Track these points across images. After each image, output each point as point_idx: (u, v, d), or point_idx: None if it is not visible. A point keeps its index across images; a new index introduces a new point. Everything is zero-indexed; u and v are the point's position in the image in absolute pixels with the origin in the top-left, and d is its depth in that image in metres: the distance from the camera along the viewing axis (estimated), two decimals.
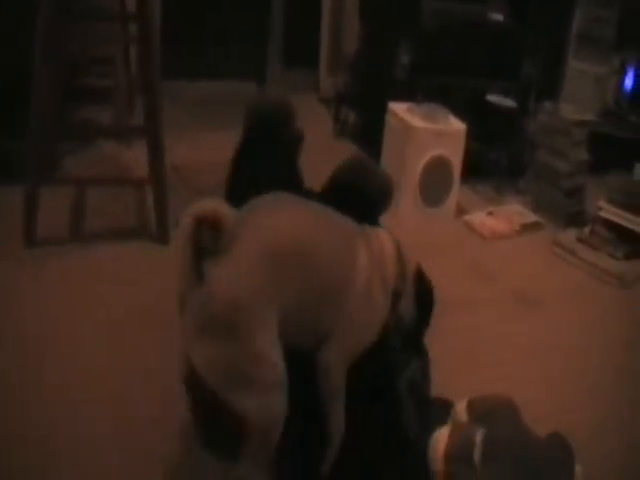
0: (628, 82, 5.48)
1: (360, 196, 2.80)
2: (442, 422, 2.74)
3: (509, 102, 5.28)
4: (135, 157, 4.77)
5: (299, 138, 2.98)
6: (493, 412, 2.75)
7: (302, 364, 2.38)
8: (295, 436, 2.39)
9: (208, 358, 2.18)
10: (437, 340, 2.84)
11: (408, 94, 5.07)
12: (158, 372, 3.08)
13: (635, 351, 3.67)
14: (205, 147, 3.87)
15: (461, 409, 2.81)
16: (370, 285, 2.45)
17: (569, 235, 4.57)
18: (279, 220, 2.30)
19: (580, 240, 4.47)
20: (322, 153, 2.83)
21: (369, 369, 2.56)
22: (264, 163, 2.84)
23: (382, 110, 5.02)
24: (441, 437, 2.66)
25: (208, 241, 2.12)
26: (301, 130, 2.99)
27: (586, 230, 4.52)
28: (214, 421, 2.49)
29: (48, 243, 3.98)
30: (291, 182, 2.91)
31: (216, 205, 2.13)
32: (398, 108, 4.90)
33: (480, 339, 3.56)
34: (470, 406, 2.80)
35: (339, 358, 2.43)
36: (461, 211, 4.88)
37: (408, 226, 4.45)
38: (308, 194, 2.87)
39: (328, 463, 2.52)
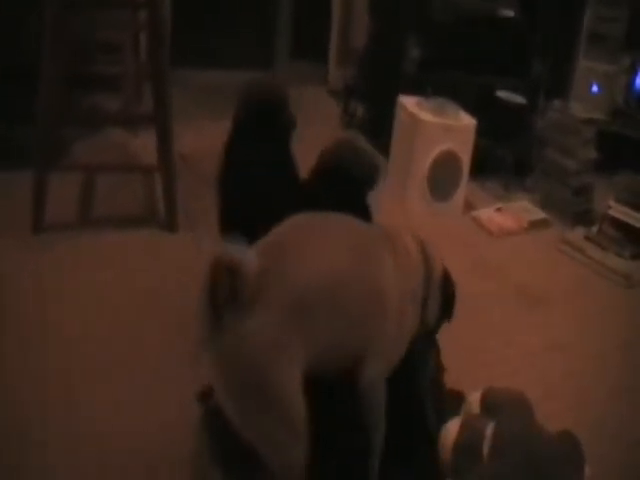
0: (638, 82, 5.46)
1: (346, 171, 2.79)
2: (455, 413, 2.74)
3: (518, 99, 5.25)
4: (143, 145, 4.78)
5: (292, 124, 2.98)
6: (505, 406, 2.74)
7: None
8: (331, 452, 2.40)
9: (237, 406, 2.16)
10: (442, 333, 2.82)
11: (417, 88, 5.05)
12: (163, 359, 3.10)
13: (634, 350, 3.67)
14: (212, 135, 3.79)
15: (474, 400, 2.80)
16: (400, 299, 2.41)
17: (577, 233, 4.57)
18: (299, 265, 2.22)
19: (588, 238, 4.46)
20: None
21: (396, 373, 2.54)
22: (256, 147, 2.83)
23: (391, 104, 5.01)
24: (452, 428, 2.65)
25: (227, 290, 2.04)
26: (294, 116, 2.98)
27: (594, 229, 4.52)
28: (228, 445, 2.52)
29: (56, 229, 3.99)
30: (284, 168, 2.91)
31: (235, 253, 2.04)
32: (408, 102, 4.88)
33: (485, 334, 3.56)
34: (483, 398, 2.79)
35: (380, 373, 2.40)
36: (469, 207, 4.87)
37: (415, 220, 4.46)
38: (300, 184, 2.86)
39: (373, 473, 2.51)
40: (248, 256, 2.07)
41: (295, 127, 2.99)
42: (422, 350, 2.74)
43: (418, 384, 2.69)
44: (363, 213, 2.78)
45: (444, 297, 2.65)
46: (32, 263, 3.67)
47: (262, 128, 2.90)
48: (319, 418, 2.23)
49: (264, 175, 2.81)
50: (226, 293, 2.03)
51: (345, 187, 2.69)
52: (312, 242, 2.32)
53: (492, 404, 2.71)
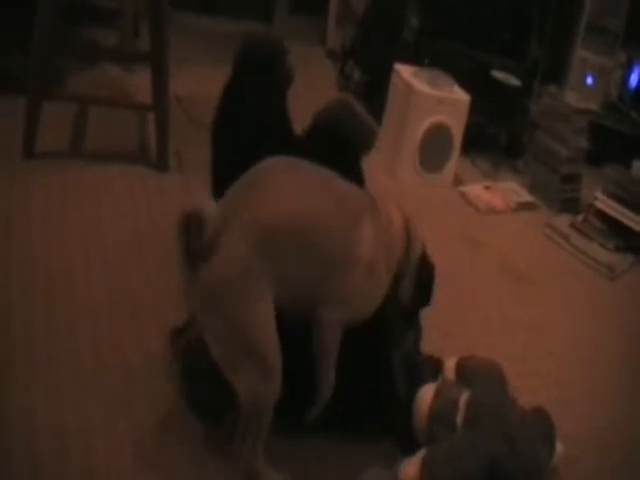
0: (633, 78, 5.47)
1: (341, 134, 2.78)
2: (432, 380, 2.75)
3: (514, 80, 5.24)
4: (137, 83, 4.75)
5: (289, 78, 2.96)
6: (481, 375, 2.76)
7: (296, 324, 2.41)
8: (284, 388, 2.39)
9: (212, 337, 2.27)
10: None
11: (414, 57, 5.04)
12: (148, 296, 3.11)
13: (613, 338, 3.70)
14: (209, 80, 3.79)
15: (450, 367, 2.83)
16: (374, 262, 2.44)
17: (563, 220, 4.58)
18: (271, 199, 2.29)
19: (573, 226, 4.48)
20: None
21: (364, 338, 2.58)
22: (253, 97, 2.82)
23: (388, 70, 4.99)
24: (426, 395, 2.67)
25: (195, 240, 2.19)
26: (292, 71, 2.97)
27: (579, 217, 4.53)
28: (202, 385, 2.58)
29: (46, 157, 3.96)
30: (279, 120, 2.89)
31: (193, 210, 2.19)
32: (404, 70, 4.86)
33: (465, 306, 3.58)
34: (459, 365, 2.82)
35: (335, 319, 2.43)
36: (458, 181, 4.86)
37: (404, 188, 4.46)
38: (293, 137, 2.85)
39: (313, 415, 2.55)
40: (209, 204, 2.26)
41: (292, 82, 2.97)
42: (398, 328, 2.75)
43: (390, 358, 2.70)
44: (356, 177, 2.77)
45: (421, 279, 2.67)
46: (20, 188, 3.64)
47: (260, 78, 2.88)
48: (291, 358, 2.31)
49: (259, 124, 2.79)
50: (195, 242, 2.18)
51: (339, 148, 2.68)
52: (288, 182, 2.36)
53: (467, 372, 2.74)
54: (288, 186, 2.34)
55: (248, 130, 2.77)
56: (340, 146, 2.71)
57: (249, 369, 2.26)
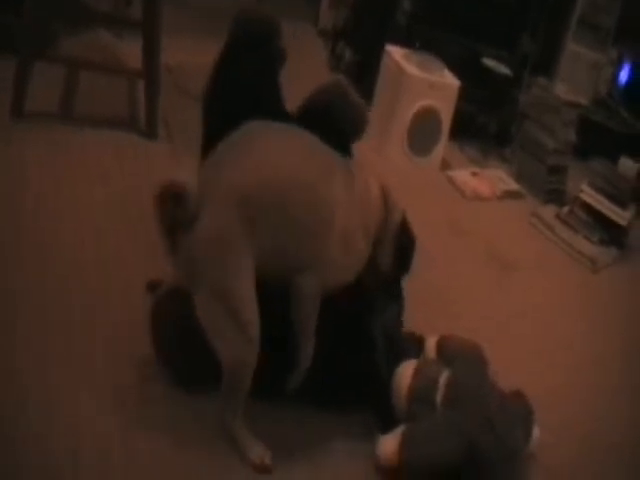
0: (623, 75, 5.48)
1: (334, 119, 2.76)
2: (413, 356, 2.75)
3: (504, 69, 5.24)
4: (128, 50, 4.70)
5: (282, 57, 2.95)
6: (461, 355, 2.77)
7: (276, 294, 2.43)
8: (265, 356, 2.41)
9: (197, 302, 2.30)
10: (408, 283, 2.87)
11: (406, 41, 5.04)
12: (134, 257, 3.14)
13: (594, 328, 3.73)
14: (200, 53, 3.78)
15: (431, 345, 2.83)
16: (349, 228, 2.46)
17: (548, 210, 4.59)
18: (251, 165, 2.32)
19: (558, 217, 4.48)
20: (314, 84, 2.81)
21: (344, 308, 2.61)
22: (246, 74, 2.80)
23: (379, 51, 4.99)
24: (405, 372, 2.67)
25: (174, 215, 2.23)
26: (285, 50, 2.96)
27: (565, 209, 4.54)
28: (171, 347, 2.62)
29: (35, 117, 3.94)
30: (270, 96, 2.88)
31: (173, 181, 2.21)
32: (395, 52, 4.86)
33: (449, 288, 3.59)
34: (440, 344, 2.82)
35: (313, 286, 2.45)
36: (445, 166, 4.87)
37: (392, 170, 4.45)
38: (285, 116, 2.84)
39: (292, 384, 2.58)
40: (189, 185, 2.23)
41: (285, 60, 2.96)
42: (378, 296, 2.75)
43: (370, 327, 2.71)
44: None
45: (400, 246, 2.68)
46: (8, 147, 3.63)
47: (253, 53, 2.86)
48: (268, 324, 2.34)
49: (251, 98, 2.79)
50: (173, 215, 2.21)
51: (330, 132, 2.66)
52: (267, 148, 2.38)
53: (448, 352, 2.75)
54: (267, 153, 2.36)
55: (240, 103, 2.76)
56: (331, 130, 2.69)
57: (232, 335, 2.29)
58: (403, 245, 2.70)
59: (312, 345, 2.53)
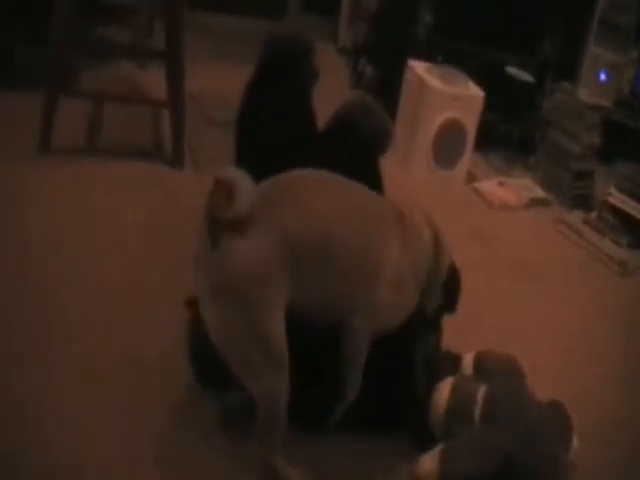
0: None
1: (359, 133, 2.76)
2: (451, 374, 2.76)
3: (527, 76, 5.25)
4: (151, 80, 4.75)
5: (315, 75, 2.94)
6: (498, 369, 2.77)
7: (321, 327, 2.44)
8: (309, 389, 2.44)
9: (217, 322, 2.23)
10: None
11: (427, 54, 5.05)
12: (162, 288, 3.14)
13: (623, 335, 3.70)
14: (223, 79, 3.85)
15: (468, 361, 2.83)
16: (401, 277, 2.44)
17: (575, 216, 4.58)
18: (301, 210, 2.28)
19: (586, 222, 4.48)
20: (336, 103, 2.83)
21: (387, 343, 2.57)
22: (277, 96, 2.80)
23: (401, 66, 5.00)
24: (443, 390, 2.68)
25: (222, 209, 2.12)
26: (318, 68, 2.96)
27: (593, 214, 4.53)
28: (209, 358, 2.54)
29: (62, 152, 3.99)
30: (303, 117, 2.88)
31: (235, 174, 2.14)
32: (417, 67, 4.87)
33: (473, 301, 3.54)
34: (477, 360, 2.83)
35: (365, 327, 2.44)
36: (471, 178, 4.88)
37: (418, 185, 4.46)
38: (316, 136, 2.86)
39: (336, 416, 2.57)
40: (248, 181, 2.15)
41: (317, 79, 2.97)
42: (421, 334, 2.77)
43: (413, 361, 2.72)
44: (374, 177, 2.78)
45: (447, 288, 2.68)
46: (36, 183, 3.67)
47: (285, 75, 2.88)
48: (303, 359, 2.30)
49: (282, 122, 2.79)
50: (223, 213, 2.10)
51: (357, 148, 2.68)
52: (318, 193, 2.34)
53: (485, 367, 2.74)
54: (320, 202, 2.32)
55: (272, 128, 2.76)
56: (358, 145, 2.71)
57: (263, 366, 2.25)
58: (450, 287, 2.70)
59: (360, 380, 2.53)
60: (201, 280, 2.22)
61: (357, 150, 2.62)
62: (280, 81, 2.83)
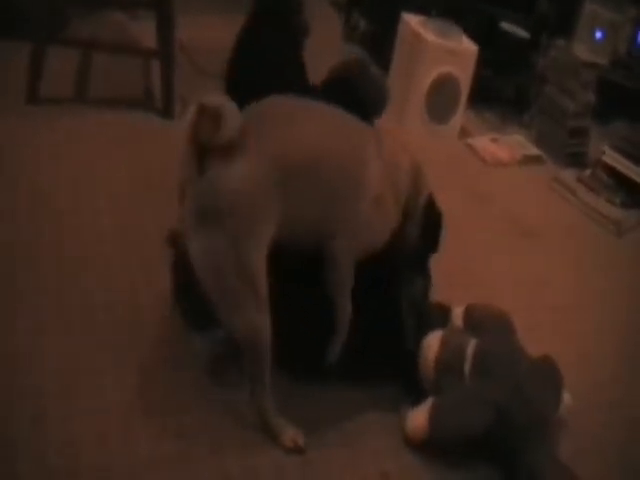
0: None
1: (356, 94, 2.78)
2: (440, 326, 2.75)
3: (522, 33, 5.19)
4: (142, 30, 4.69)
5: (305, 30, 2.94)
6: (488, 323, 2.77)
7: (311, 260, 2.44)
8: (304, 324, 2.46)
9: (203, 251, 2.21)
10: None
11: (421, 8, 4.97)
12: (154, 233, 3.10)
13: (619, 292, 3.70)
14: (215, 29, 3.80)
15: (458, 314, 2.82)
16: (381, 193, 2.45)
17: (569, 174, 4.55)
18: (287, 132, 2.28)
19: (580, 181, 4.45)
20: (328, 56, 2.80)
21: (372, 277, 2.59)
22: (269, 47, 2.80)
23: (394, 20, 4.93)
24: (432, 344, 2.66)
25: (209, 135, 2.10)
26: (308, 23, 2.94)
27: (587, 172, 4.50)
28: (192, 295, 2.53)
29: (51, 102, 3.94)
30: (293, 71, 2.87)
31: (221, 101, 2.11)
32: (411, 20, 4.81)
33: (468, 257, 3.58)
34: (467, 312, 2.82)
35: (346, 248, 2.44)
36: (465, 133, 4.84)
37: (411, 139, 4.41)
38: (309, 88, 2.82)
39: (331, 356, 2.57)
40: (233, 106, 2.13)
41: (308, 33, 2.95)
42: (405, 269, 2.73)
43: (398, 300, 2.71)
44: None
45: (428, 223, 2.68)
46: (25, 133, 3.63)
47: (276, 28, 2.85)
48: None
49: (274, 69, 2.78)
50: (211, 138, 2.09)
51: (351, 106, 2.65)
52: (302, 116, 2.36)
53: (475, 320, 2.74)
54: (306, 123, 2.34)
55: (264, 76, 2.76)
56: (352, 104, 2.68)
57: (246, 299, 2.25)
58: (431, 222, 2.70)
59: (349, 312, 2.54)
60: (187, 209, 2.20)
61: (351, 109, 2.58)
62: (271, 31, 2.81)
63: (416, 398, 2.59)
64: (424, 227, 2.67)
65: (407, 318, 2.71)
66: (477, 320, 2.78)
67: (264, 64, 2.78)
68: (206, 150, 2.12)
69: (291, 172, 2.23)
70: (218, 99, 2.12)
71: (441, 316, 2.86)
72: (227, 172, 2.14)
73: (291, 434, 2.44)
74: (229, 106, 2.12)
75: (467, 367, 2.58)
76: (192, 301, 2.61)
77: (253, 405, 2.43)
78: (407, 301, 2.72)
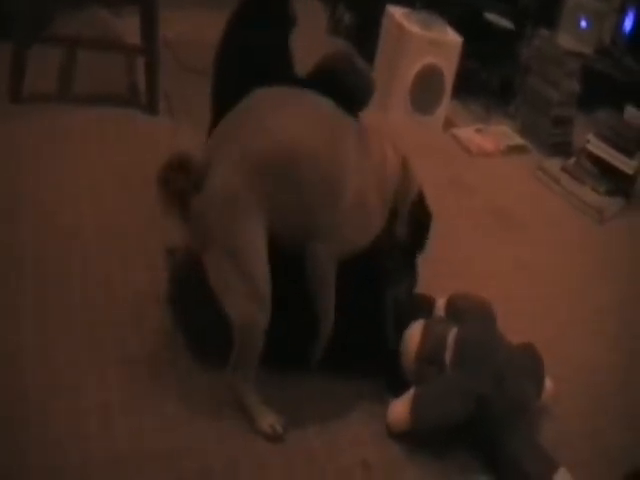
0: (627, 23, 5.42)
1: (342, 86, 2.75)
2: (423, 317, 2.76)
3: (506, 23, 5.20)
4: (126, 27, 4.68)
5: (293, 22, 2.93)
6: (469, 312, 2.78)
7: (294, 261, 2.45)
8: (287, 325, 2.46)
9: (209, 263, 2.31)
10: None
11: (405, 0, 4.97)
12: (135, 232, 3.16)
13: (601, 280, 3.74)
14: (200, 25, 3.80)
15: (440, 305, 2.84)
16: (363, 191, 2.44)
17: (554, 163, 4.57)
18: (263, 127, 2.31)
19: (564, 169, 4.47)
20: (313, 49, 2.80)
21: (358, 276, 2.60)
22: (257, 38, 2.79)
23: (379, 12, 4.95)
24: (414, 333, 2.68)
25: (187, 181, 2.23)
26: (295, 15, 2.94)
27: (571, 161, 4.52)
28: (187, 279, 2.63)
29: (34, 100, 3.93)
30: (281, 62, 2.86)
31: (180, 151, 2.24)
32: (395, 12, 4.83)
33: (452, 247, 3.58)
34: (449, 302, 2.84)
35: (327, 250, 2.44)
36: (449, 124, 4.85)
37: (396, 130, 4.43)
38: (295, 79, 2.83)
39: (315, 354, 2.60)
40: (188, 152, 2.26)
41: (295, 25, 2.94)
42: (393, 268, 2.74)
43: (382, 298, 2.72)
44: None
45: (416, 220, 2.68)
46: (8, 132, 3.62)
47: (264, 19, 2.85)
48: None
49: (261, 60, 2.77)
50: (182, 182, 2.23)
51: (337, 100, 2.66)
52: (278, 113, 2.37)
53: (457, 310, 2.76)
54: (278, 117, 2.34)
55: (251, 67, 2.74)
56: (338, 96, 2.69)
57: (241, 293, 2.30)
58: (419, 220, 2.70)
59: (332, 313, 2.54)
60: (190, 239, 2.37)
61: (336, 100, 2.59)
62: (258, 23, 2.80)
63: (399, 389, 2.60)
64: (412, 226, 2.67)
65: (390, 313, 2.72)
66: (459, 310, 2.80)
67: (251, 54, 2.77)
68: (183, 190, 2.25)
69: (266, 169, 2.26)
70: (181, 152, 2.25)
71: (425, 307, 2.86)
72: (205, 192, 2.24)
73: (270, 420, 2.46)
74: (191, 155, 2.25)
75: (448, 356, 2.60)
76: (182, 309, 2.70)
77: (233, 388, 2.46)
78: (391, 300, 2.73)
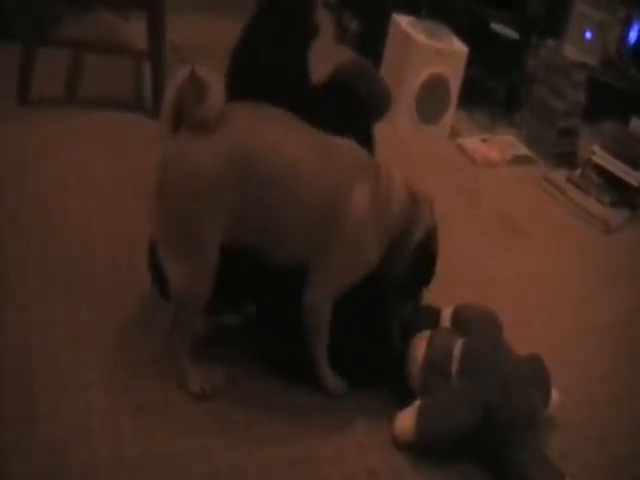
0: (632, 35, 5.41)
1: (357, 97, 2.74)
2: (430, 328, 2.75)
3: (512, 33, 5.20)
4: (133, 31, 4.66)
5: (315, 31, 2.91)
6: (475, 323, 2.77)
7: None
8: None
9: (159, 217, 2.32)
10: None
11: (412, 8, 5.00)
12: (139, 236, 3.07)
13: (606, 290, 3.72)
14: (208, 31, 3.79)
15: (446, 315, 2.83)
16: (364, 228, 2.42)
17: (559, 174, 4.56)
18: (258, 127, 2.31)
19: (570, 180, 4.46)
20: (320, 57, 2.79)
21: (364, 289, 2.55)
22: (276, 45, 2.76)
23: (385, 21, 4.97)
24: (419, 344, 2.67)
25: (191, 103, 2.19)
26: (318, 24, 2.92)
27: (577, 172, 4.51)
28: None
29: (41, 103, 3.95)
30: (298, 72, 2.84)
31: (212, 77, 2.19)
32: (402, 21, 4.83)
33: (458, 257, 3.55)
34: (455, 313, 2.83)
35: (323, 295, 2.46)
36: (455, 134, 4.85)
37: (401, 140, 4.43)
38: (311, 89, 2.81)
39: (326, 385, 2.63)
40: (220, 86, 2.21)
41: (317, 35, 2.93)
42: (396, 297, 2.73)
43: (389, 327, 2.72)
44: (365, 140, 2.73)
45: (421, 258, 2.62)
46: (15, 134, 3.63)
47: (287, 25, 2.83)
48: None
49: (278, 67, 2.75)
50: (190, 104, 2.18)
51: (352, 108, 2.65)
52: (280, 126, 2.38)
53: (463, 320, 2.75)
54: (280, 132, 2.36)
55: (266, 70, 2.72)
56: (354, 107, 2.68)
57: (186, 260, 2.31)
58: (424, 258, 2.64)
59: (325, 352, 2.57)
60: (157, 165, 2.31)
61: (351, 109, 2.59)
62: (281, 29, 2.77)
63: (405, 400, 2.59)
64: (415, 263, 2.61)
65: (395, 328, 2.71)
66: (464, 320, 2.79)
67: (268, 62, 2.74)
68: (184, 117, 2.21)
69: (256, 171, 2.26)
70: (210, 74, 2.19)
71: (431, 318, 2.85)
72: (193, 147, 2.21)
73: (199, 381, 2.50)
74: (217, 85, 2.19)
75: (454, 367, 2.59)
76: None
77: (168, 350, 2.51)
78: (396, 321, 2.72)
